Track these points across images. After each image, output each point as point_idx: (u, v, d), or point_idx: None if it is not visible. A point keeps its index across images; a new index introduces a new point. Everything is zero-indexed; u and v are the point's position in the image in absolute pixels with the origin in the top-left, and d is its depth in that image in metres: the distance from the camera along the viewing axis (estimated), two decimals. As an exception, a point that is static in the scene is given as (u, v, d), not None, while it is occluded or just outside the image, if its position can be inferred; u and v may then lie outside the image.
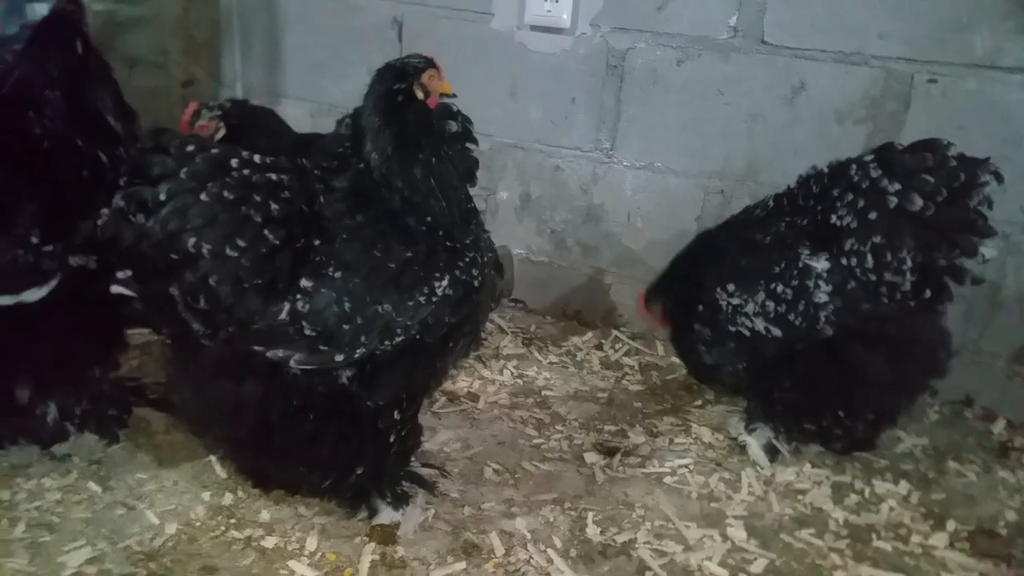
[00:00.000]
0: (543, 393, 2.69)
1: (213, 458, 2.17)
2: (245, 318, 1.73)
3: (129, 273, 1.78)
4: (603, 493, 2.19)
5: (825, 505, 2.19)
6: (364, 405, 1.83)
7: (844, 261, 2.11)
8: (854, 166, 2.15)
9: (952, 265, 2.08)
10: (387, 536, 1.95)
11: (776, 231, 2.25)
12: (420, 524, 2.01)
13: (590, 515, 2.09)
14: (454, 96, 2.01)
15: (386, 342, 1.78)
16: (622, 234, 3.09)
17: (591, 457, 2.34)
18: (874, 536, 2.08)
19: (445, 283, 1.81)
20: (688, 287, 2.40)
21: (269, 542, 1.93)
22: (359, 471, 1.91)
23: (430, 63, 1.90)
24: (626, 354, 2.99)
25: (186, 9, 3.37)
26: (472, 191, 2.24)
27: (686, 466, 2.32)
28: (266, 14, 3.50)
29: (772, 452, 2.33)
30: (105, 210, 1.74)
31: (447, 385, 2.64)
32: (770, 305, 2.17)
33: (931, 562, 2.01)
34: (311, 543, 1.93)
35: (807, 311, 2.13)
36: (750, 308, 2.20)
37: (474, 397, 2.62)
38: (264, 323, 1.73)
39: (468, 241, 1.87)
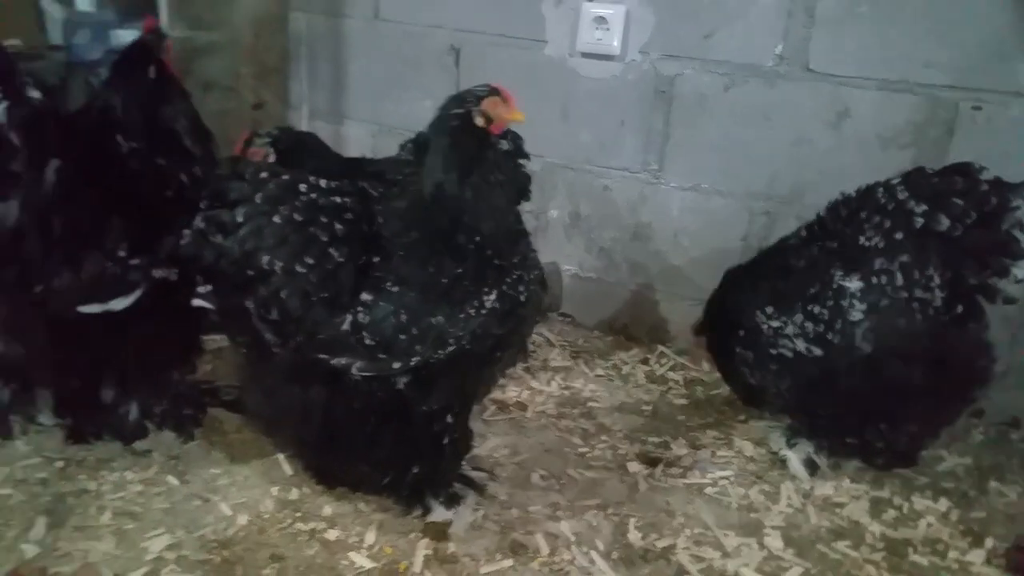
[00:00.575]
0: (589, 404, 2.77)
1: (281, 456, 2.30)
2: (312, 329, 1.86)
3: (209, 288, 1.93)
4: (645, 501, 2.27)
5: (863, 519, 2.23)
6: (419, 409, 1.94)
7: (874, 280, 2.18)
8: (881, 189, 2.23)
9: (983, 284, 2.13)
10: (440, 533, 2.06)
11: (809, 255, 2.33)
12: (471, 523, 2.11)
13: (632, 521, 2.17)
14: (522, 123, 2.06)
15: (439, 351, 1.89)
16: (668, 252, 3.17)
17: (634, 466, 2.42)
18: (911, 550, 2.12)
19: (493, 297, 1.91)
20: (729, 314, 2.50)
21: (331, 535, 2.04)
22: (415, 470, 2.03)
23: (493, 91, 1.96)
24: (671, 369, 3.07)
25: (257, 36, 3.53)
26: (523, 209, 2.36)
27: (727, 478, 2.38)
28: (331, 41, 3.67)
29: (812, 466, 2.39)
30: (187, 231, 1.88)
31: (497, 394, 2.75)
32: (808, 326, 2.24)
33: (967, 577, 2.05)
34: (370, 537, 2.04)
35: (844, 329, 2.19)
36: (790, 330, 2.27)
37: (523, 406, 2.72)
38: (329, 333, 1.86)
39: (515, 260, 1.97)
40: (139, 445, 2.33)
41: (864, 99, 2.70)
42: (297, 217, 1.84)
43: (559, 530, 2.12)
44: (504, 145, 2.52)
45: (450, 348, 1.90)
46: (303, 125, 3.87)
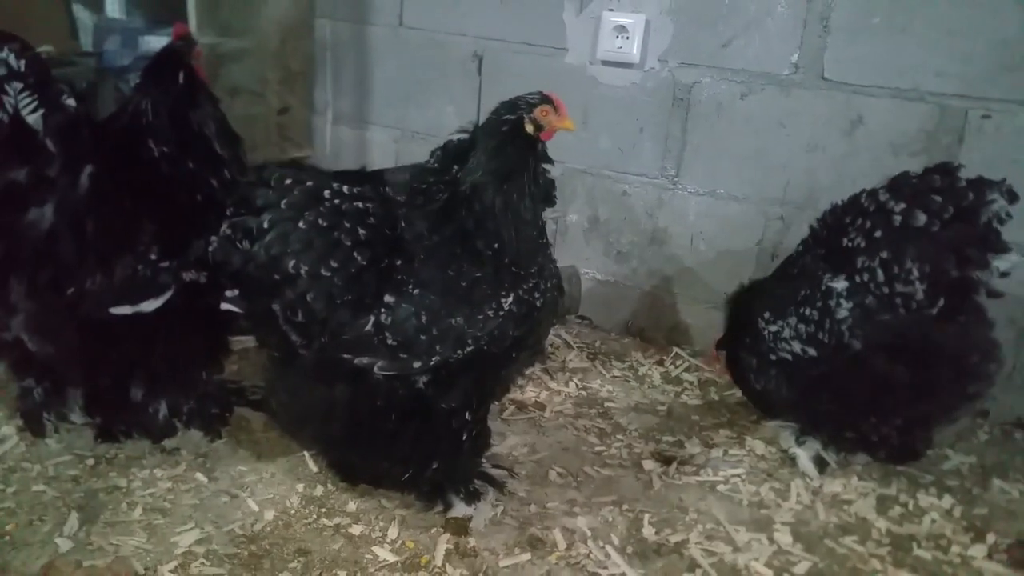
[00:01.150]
0: (606, 404, 2.83)
1: (306, 454, 2.37)
2: (336, 330, 1.93)
3: (236, 292, 2.01)
4: (659, 497, 2.32)
5: (869, 515, 2.29)
6: (439, 407, 2.01)
7: (858, 279, 2.25)
8: (865, 194, 2.31)
9: (965, 277, 2.16)
10: (460, 528, 2.12)
11: (802, 263, 2.43)
12: (490, 519, 2.16)
13: (646, 517, 2.23)
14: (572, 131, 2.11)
15: (458, 351, 1.95)
16: (685, 256, 3.23)
17: (649, 465, 2.47)
18: (915, 545, 2.18)
19: (510, 300, 1.97)
20: (736, 322, 2.61)
21: (355, 529, 2.10)
22: (435, 465, 2.09)
23: (545, 99, 2.00)
24: (686, 370, 3.12)
25: (283, 42, 3.60)
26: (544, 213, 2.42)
27: (739, 475, 2.44)
28: (356, 48, 3.73)
29: (821, 464, 2.45)
30: (215, 237, 1.95)
31: (516, 395, 2.81)
32: (801, 328, 2.33)
33: (969, 572, 2.10)
34: (392, 532, 2.10)
35: (833, 328, 2.27)
36: (787, 333, 2.36)
37: (541, 406, 2.78)
38: (352, 334, 1.93)
39: (533, 269, 2.03)
40: (168, 443, 2.40)
41: (877, 107, 2.75)
42: (322, 222, 1.90)
43: (576, 525, 2.18)
44: None
45: (469, 348, 1.96)
46: (327, 130, 3.95)
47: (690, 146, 3.12)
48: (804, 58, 2.83)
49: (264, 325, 2.01)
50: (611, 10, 3.13)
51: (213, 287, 2.13)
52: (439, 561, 2.02)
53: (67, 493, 2.18)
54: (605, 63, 3.20)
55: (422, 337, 1.93)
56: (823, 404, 2.40)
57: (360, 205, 1.97)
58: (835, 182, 2.81)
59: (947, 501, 2.36)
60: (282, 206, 1.90)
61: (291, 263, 1.88)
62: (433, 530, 2.13)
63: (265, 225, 1.89)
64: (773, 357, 2.42)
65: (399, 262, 1.96)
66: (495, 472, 2.33)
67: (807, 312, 2.33)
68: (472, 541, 2.09)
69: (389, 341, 1.92)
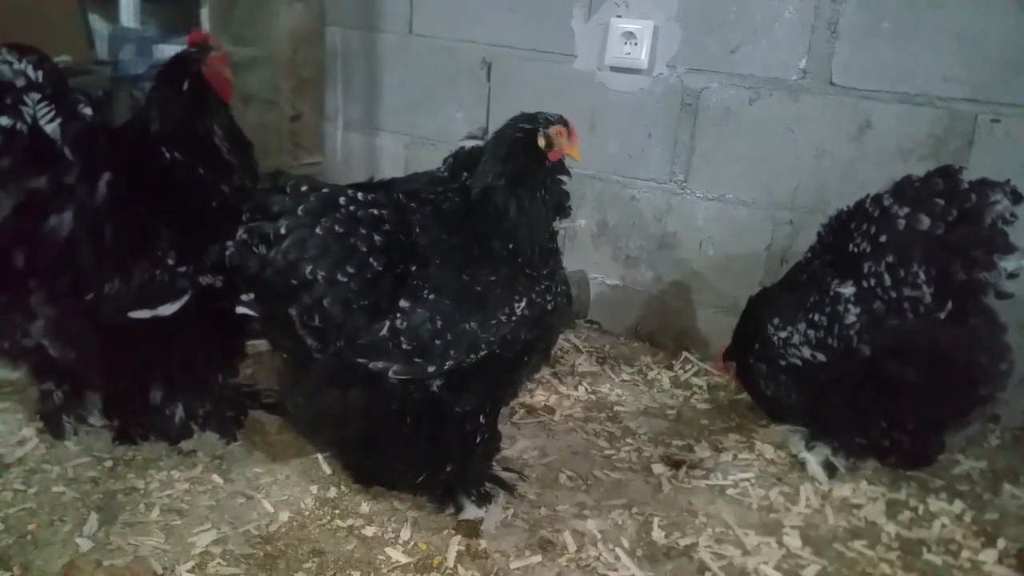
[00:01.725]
0: (615, 408, 2.85)
1: (320, 456, 2.40)
2: (352, 334, 1.95)
3: (252, 296, 2.02)
4: (668, 501, 2.34)
5: (879, 519, 2.30)
6: (453, 410, 2.03)
7: (865, 283, 2.27)
8: (869, 199, 2.33)
9: (972, 279, 2.17)
10: (471, 530, 2.14)
11: (811, 269, 2.46)
12: (501, 521, 2.19)
13: (656, 520, 2.25)
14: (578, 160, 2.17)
15: (472, 355, 1.98)
16: (694, 261, 3.24)
17: (658, 468, 2.49)
18: (925, 550, 2.19)
19: (523, 304, 2.00)
20: (746, 329, 2.63)
21: (369, 531, 2.13)
22: (448, 468, 2.12)
23: (563, 121, 2.08)
24: (695, 374, 3.14)
25: (295, 51, 3.64)
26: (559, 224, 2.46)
27: (748, 479, 2.45)
28: (366, 56, 3.77)
29: (830, 469, 2.46)
30: (230, 242, 1.98)
31: (526, 399, 2.84)
32: (811, 333, 2.35)
33: (978, 576, 2.12)
34: (405, 533, 2.13)
35: (841, 333, 2.29)
36: (796, 339, 2.38)
37: (551, 410, 2.80)
38: (368, 338, 1.95)
39: (545, 272, 2.07)
40: (184, 445, 2.44)
41: (886, 112, 2.76)
42: (338, 228, 1.93)
43: (586, 528, 2.20)
44: None
45: (482, 353, 1.99)
46: (338, 136, 3.99)
47: (699, 151, 3.14)
48: (812, 63, 2.85)
49: (279, 329, 2.03)
50: (619, 16, 3.15)
51: (229, 291, 2.14)
52: (451, 563, 2.04)
53: (86, 494, 2.21)
54: (613, 69, 3.22)
55: (436, 342, 1.95)
56: (833, 410, 2.42)
57: (375, 212, 1.99)
58: (844, 187, 2.81)
59: (957, 506, 2.37)
60: (299, 212, 1.92)
61: (308, 268, 1.90)
62: (445, 532, 2.15)
63: (283, 231, 1.91)
64: (783, 363, 2.44)
65: (414, 268, 1.99)
66: (506, 475, 2.35)
67: (816, 318, 2.35)
68: (483, 543, 2.12)
69: (404, 346, 1.95)
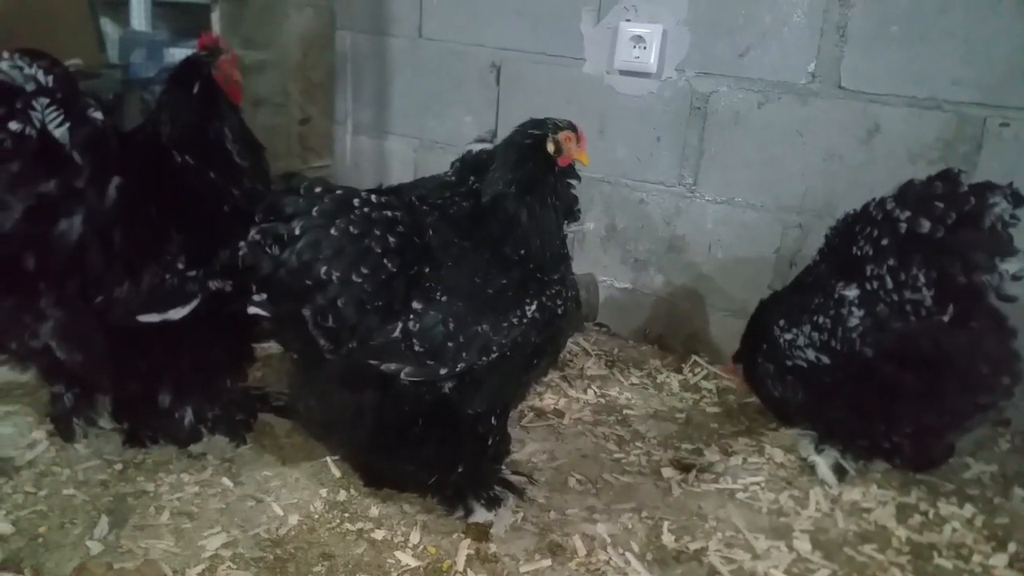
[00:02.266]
0: (624, 412, 2.85)
1: (329, 460, 2.40)
2: (365, 335, 1.95)
3: (264, 296, 2.02)
4: (678, 505, 2.34)
5: (889, 523, 2.29)
6: (464, 412, 2.04)
7: (868, 286, 2.27)
8: (873, 203, 2.33)
9: (972, 282, 2.16)
10: (481, 534, 2.15)
11: (817, 272, 2.47)
12: (510, 525, 2.19)
13: (665, 524, 2.24)
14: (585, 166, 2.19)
15: (483, 358, 1.98)
16: (703, 264, 3.25)
17: (668, 472, 2.49)
18: (935, 554, 2.18)
19: (534, 307, 2.01)
20: (754, 330, 2.63)
21: (378, 534, 2.13)
22: (459, 469, 2.12)
23: (571, 127, 2.10)
24: (704, 378, 3.13)
25: (305, 55, 3.66)
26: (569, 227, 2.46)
27: (758, 483, 2.45)
28: (376, 59, 3.78)
29: (840, 472, 2.46)
30: (243, 243, 1.98)
31: (535, 402, 2.84)
32: (815, 335, 2.35)
33: (989, 580, 2.11)
34: (414, 537, 2.13)
35: (844, 336, 2.29)
36: (801, 341, 2.38)
37: (560, 413, 2.80)
38: (380, 340, 1.95)
39: (556, 277, 2.08)
40: (194, 449, 2.44)
41: (894, 116, 2.76)
42: (353, 230, 1.93)
43: (595, 532, 2.20)
44: None
45: (493, 355, 1.99)
46: (347, 140, 4.00)
47: (707, 154, 3.14)
48: (821, 67, 2.85)
49: (291, 329, 2.03)
50: (628, 20, 3.16)
51: (239, 295, 2.15)
52: (460, 566, 2.04)
53: (97, 497, 2.22)
54: (622, 73, 3.23)
55: (449, 344, 1.96)
56: (837, 412, 2.42)
57: (389, 214, 2.00)
58: (853, 190, 2.81)
59: (968, 510, 2.37)
60: (313, 213, 1.93)
61: (323, 269, 1.90)
62: (454, 535, 2.15)
63: (297, 232, 1.92)
64: (789, 364, 2.44)
65: (427, 269, 2.00)
66: (515, 478, 2.35)
67: (820, 320, 2.35)
68: (493, 547, 2.12)
69: (416, 347, 1.96)
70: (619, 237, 3.41)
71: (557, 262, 2.10)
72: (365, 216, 1.96)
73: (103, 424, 2.47)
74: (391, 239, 1.96)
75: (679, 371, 3.19)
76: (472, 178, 2.61)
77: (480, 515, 2.19)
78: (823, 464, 2.47)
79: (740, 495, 2.40)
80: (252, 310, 2.04)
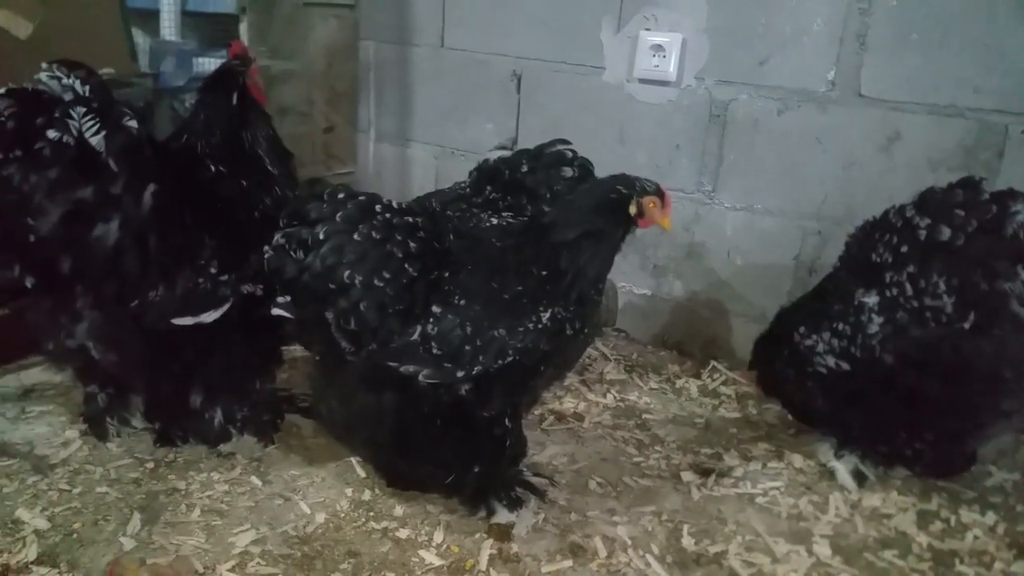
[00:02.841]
0: (643, 416, 2.87)
1: (354, 460, 2.44)
2: (386, 338, 2.00)
3: (288, 298, 2.06)
4: (698, 509, 2.36)
5: (910, 530, 2.29)
6: (480, 414, 2.08)
7: (888, 293, 2.28)
8: (893, 210, 2.35)
9: (994, 290, 2.15)
10: (503, 534, 2.18)
11: (837, 279, 2.48)
12: (532, 525, 2.22)
13: (685, 527, 2.26)
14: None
15: (498, 361, 2.02)
16: (722, 271, 3.26)
17: (687, 476, 2.50)
18: (957, 561, 2.18)
19: (548, 315, 2.05)
20: (775, 335, 2.65)
21: (402, 533, 2.17)
22: (476, 469, 2.16)
23: (659, 192, 2.13)
24: (723, 383, 3.15)
25: (330, 64, 3.71)
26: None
27: (777, 488, 2.46)
28: (399, 68, 3.83)
29: (860, 478, 2.47)
30: (268, 247, 2.03)
31: (555, 405, 2.88)
32: (835, 342, 2.36)
33: (1012, 588, 2.11)
34: (438, 536, 2.16)
35: (864, 343, 2.30)
36: (821, 347, 2.39)
37: (580, 417, 2.83)
38: (400, 342, 2.00)
39: (574, 311, 2.11)
40: (223, 448, 2.49)
41: (915, 123, 2.77)
42: (375, 235, 1.98)
43: (616, 534, 2.22)
44: (568, 172, 2.62)
45: (508, 359, 2.03)
46: (370, 148, 4.05)
47: (727, 162, 3.16)
48: (841, 75, 2.87)
49: (313, 331, 2.08)
50: (648, 29, 3.19)
51: (268, 300, 2.19)
52: (483, 566, 2.07)
53: (129, 494, 2.27)
54: (642, 81, 3.25)
55: (466, 347, 2.00)
56: (857, 418, 2.43)
57: (410, 219, 2.04)
58: (872, 197, 2.81)
59: (990, 517, 2.36)
60: (337, 219, 1.97)
61: (346, 273, 1.95)
62: (477, 535, 2.18)
63: (321, 236, 1.96)
64: (809, 370, 2.45)
65: (447, 274, 2.04)
66: (536, 480, 2.38)
67: (840, 327, 2.36)
68: (515, 547, 2.15)
69: (434, 350, 1.99)
70: (638, 243, 3.43)
71: (584, 305, 2.13)
72: (387, 221, 2.01)
73: (136, 424, 2.53)
74: (412, 244, 2.01)
75: (698, 376, 3.21)
76: (488, 187, 2.63)
77: (502, 516, 2.22)
78: (843, 470, 2.49)
79: (759, 499, 2.42)
80: (276, 311, 2.08)
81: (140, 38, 3.94)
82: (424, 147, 3.93)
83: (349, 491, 2.34)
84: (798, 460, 2.61)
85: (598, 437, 2.72)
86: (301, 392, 2.75)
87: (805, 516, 2.36)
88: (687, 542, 2.22)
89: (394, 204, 2.06)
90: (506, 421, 2.14)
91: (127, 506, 2.23)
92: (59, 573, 1.98)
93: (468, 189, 2.67)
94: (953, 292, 2.19)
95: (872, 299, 2.32)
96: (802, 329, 2.46)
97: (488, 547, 2.14)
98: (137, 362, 2.31)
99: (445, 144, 3.86)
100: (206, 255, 2.27)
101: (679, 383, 3.15)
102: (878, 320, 2.29)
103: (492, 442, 2.16)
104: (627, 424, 2.81)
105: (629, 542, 2.20)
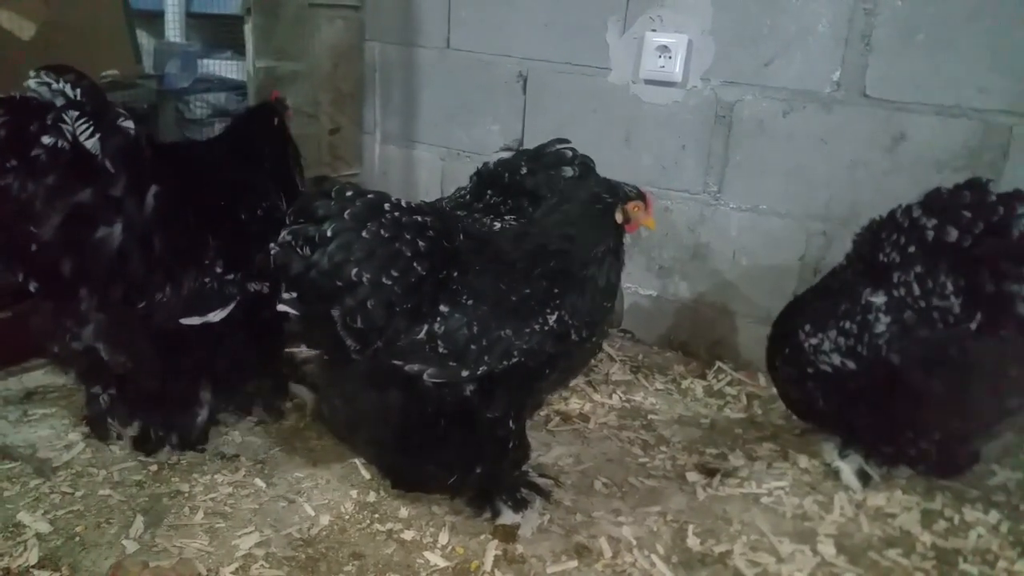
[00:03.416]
0: (649, 417, 2.87)
1: (359, 462, 2.44)
2: (392, 336, 1.99)
3: (294, 295, 2.04)
4: (703, 509, 2.36)
5: (914, 529, 2.30)
6: (484, 416, 2.07)
7: (895, 293, 2.28)
8: (900, 210, 2.35)
9: (1001, 291, 2.16)
10: (508, 535, 2.18)
11: (843, 278, 2.48)
12: (537, 526, 2.21)
13: (690, 527, 2.26)
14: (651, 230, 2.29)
15: (504, 362, 2.02)
16: (727, 271, 3.26)
17: (693, 476, 2.50)
18: (961, 560, 2.18)
19: (554, 318, 2.04)
20: (779, 333, 2.64)
21: (407, 535, 2.16)
22: (478, 470, 2.16)
23: (640, 196, 2.14)
24: (729, 384, 3.14)
25: (335, 65, 3.71)
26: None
27: (782, 488, 2.46)
28: (404, 70, 3.84)
29: (864, 478, 2.47)
30: (274, 244, 2.02)
31: (561, 406, 2.87)
32: (841, 341, 2.36)
33: (1015, 585, 2.10)
34: (443, 537, 2.16)
35: (871, 342, 2.30)
36: (826, 346, 2.39)
37: (585, 418, 2.83)
38: (406, 341, 1.99)
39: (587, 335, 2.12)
40: (227, 450, 2.50)
41: (920, 124, 2.77)
42: (384, 233, 1.97)
43: (621, 534, 2.22)
44: (568, 172, 2.62)
45: (513, 360, 2.03)
46: (376, 149, 4.05)
47: (732, 163, 3.16)
48: (846, 76, 2.87)
49: (319, 329, 2.06)
50: (654, 31, 3.19)
51: (274, 298, 2.19)
52: (488, 567, 2.07)
53: (132, 497, 2.27)
54: (648, 82, 3.25)
55: (472, 347, 1.99)
56: (861, 417, 2.42)
57: (418, 218, 2.04)
58: (878, 198, 2.80)
59: (994, 516, 2.36)
60: (345, 216, 1.96)
61: (354, 271, 1.94)
62: (482, 536, 2.18)
63: (329, 234, 1.95)
64: (812, 369, 2.45)
65: (455, 273, 2.04)
66: (541, 481, 2.38)
67: (847, 326, 2.36)
68: (520, 548, 2.14)
69: (440, 349, 1.99)
70: (643, 244, 3.43)
71: (594, 317, 2.13)
72: (396, 220, 2.00)
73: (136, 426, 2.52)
74: (421, 243, 2.00)
75: (703, 377, 3.20)
76: (489, 192, 2.62)
77: (507, 517, 2.22)
78: (847, 469, 2.48)
79: (764, 499, 2.42)
80: (281, 308, 2.06)
81: (144, 39, 3.96)
82: (430, 148, 3.93)
83: (354, 493, 2.34)
84: (803, 460, 2.61)
85: (603, 438, 2.72)
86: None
87: (810, 516, 2.36)
88: (692, 542, 2.22)
89: (403, 203, 2.06)
90: (510, 423, 2.14)
91: (130, 509, 2.22)
92: (61, 576, 1.98)
93: (468, 196, 2.66)
94: (960, 293, 2.20)
95: (880, 299, 2.32)
96: (807, 327, 2.46)
97: (493, 548, 2.14)
98: (147, 362, 2.31)
99: (451, 145, 3.86)
100: (211, 255, 2.29)
101: (684, 384, 3.15)
102: (885, 320, 2.29)
103: (495, 444, 2.15)
104: (632, 425, 2.81)
105: (634, 542, 2.19)
